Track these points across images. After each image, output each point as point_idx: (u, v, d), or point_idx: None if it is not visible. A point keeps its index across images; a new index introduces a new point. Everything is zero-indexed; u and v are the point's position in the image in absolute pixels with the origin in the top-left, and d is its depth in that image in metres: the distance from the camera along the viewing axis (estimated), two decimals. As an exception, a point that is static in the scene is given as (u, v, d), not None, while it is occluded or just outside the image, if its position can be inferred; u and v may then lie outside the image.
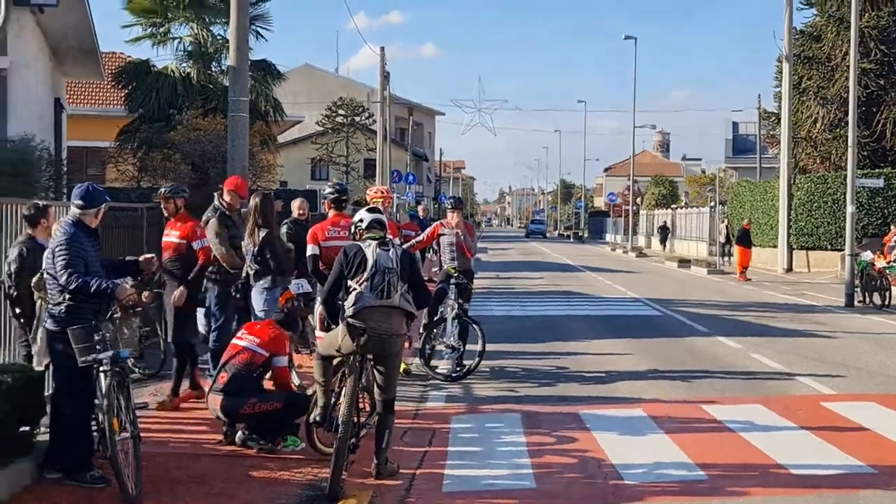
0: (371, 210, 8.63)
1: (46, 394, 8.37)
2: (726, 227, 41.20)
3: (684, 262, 42.76)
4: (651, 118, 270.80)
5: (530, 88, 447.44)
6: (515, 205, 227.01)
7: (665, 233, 63.30)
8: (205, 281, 11.17)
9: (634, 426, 10.35)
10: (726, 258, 40.88)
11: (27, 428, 7.73)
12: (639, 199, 75.07)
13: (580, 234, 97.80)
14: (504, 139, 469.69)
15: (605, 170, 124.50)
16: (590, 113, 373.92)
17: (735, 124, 73.35)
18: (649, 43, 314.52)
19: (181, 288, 10.79)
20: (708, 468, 8.67)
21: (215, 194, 11.73)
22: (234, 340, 9.42)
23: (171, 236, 11.07)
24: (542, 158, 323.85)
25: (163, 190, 11.34)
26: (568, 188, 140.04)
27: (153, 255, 9.26)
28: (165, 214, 11.21)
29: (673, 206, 70.51)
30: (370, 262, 8.05)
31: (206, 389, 9.49)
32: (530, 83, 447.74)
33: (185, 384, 11.07)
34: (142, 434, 8.01)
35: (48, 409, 8.07)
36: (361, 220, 8.49)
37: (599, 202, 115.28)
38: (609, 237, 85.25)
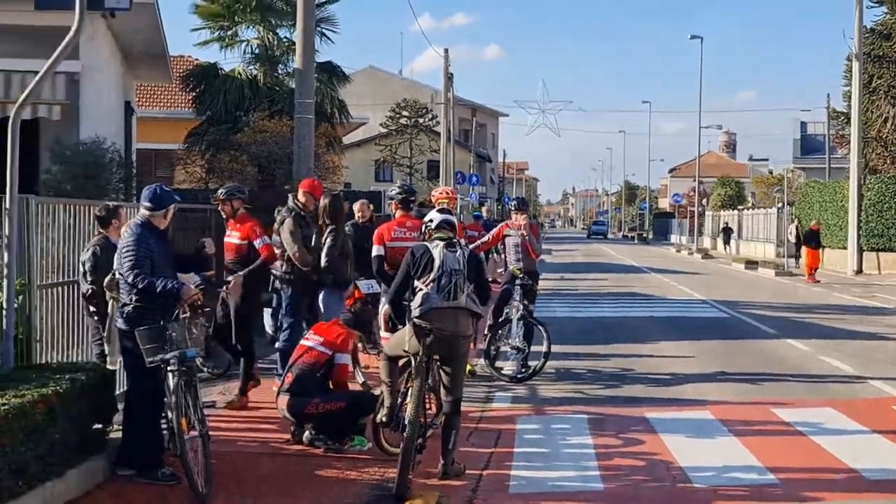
0: (441, 211, 8.66)
1: (118, 392, 8.51)
2: (796, 227, 40.41)
3: (751, 264, 42.23)
4: (717, 118, 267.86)
5: (594, 89, 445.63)
6: (579, 206, 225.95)
7: (728, 234, 62.61)
8: (276, 282, 11.26)
9: (702, 428, 10.25)
10: (796, 259, 40.23)
11: (100, 426, 7.85)
12: (704, 200, 74.29)
13: (644, 235, 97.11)
14: (568, 140, 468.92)
15: (670, 171, 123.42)
16: (654, 113, 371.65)
17: (803, 124, 72.30)
18: (715, 42, 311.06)
19: (238, 276, 10.82)
20: (779, 472, 8.55)
21: (290, 195, 11.86)
22: (302, 341, 9.50)
23: (232, 237, 11.11)
24: (605, 159, 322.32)
25: (219, 192, 11.37)
26: (632, 189, 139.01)
27: (209, 238, 9.47)
28: (224, 216, 11.25)
29: (739, 207, 69.69)
30: (437, 263, 8.06)
31: (275, 390, 9.56)
32: (594, 84, 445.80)
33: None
34: (211, 433, 8.11)
35: (120, 407, 8.20)
36: (431, 221, 8.52)
37: (664, 203, 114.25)
38: (674, 238, 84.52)
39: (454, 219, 8.71)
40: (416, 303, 8.05)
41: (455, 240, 8.36)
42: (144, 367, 7.65)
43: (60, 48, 8.17)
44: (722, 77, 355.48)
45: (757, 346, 16.54)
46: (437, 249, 8.17)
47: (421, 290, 8.06)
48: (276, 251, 11.28)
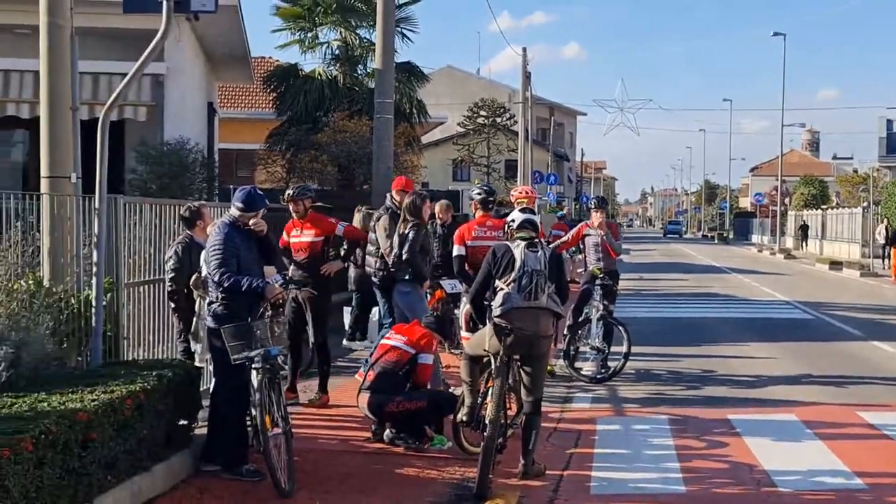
0: (523, 210, 8.64)
1: (203, 389, 8.65)
2: (885, 227, 39.25)
3: (835, 265, 41.42)
4: (799, 116, 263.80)
5: (674, 87, 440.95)
6: (658, 205, 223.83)
7: (805, 232, 61.61)
8: (357, 282, 11.37)
9: (787, 431, 10.09)
10: (884, 260, 39.28)
11: (186, 422, 7.98)
12: (787, 200, 73.09)
13: (724, 235, 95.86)
14: (647, 139, 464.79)
15: (752, 170, 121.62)
16: (736, 112, 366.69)
17: (889, 122, 70.76)
18: (798, 39, 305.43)
19: (338, 262, 11.02)
20: (866, 477, 8.38)
21: (387, 195, 12.14)
22: (383, 340, 9.55)
23: (305, 237, 11.02)
24: (685, 158, 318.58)
25: (290, 192, 11.37)
26: (712, 189, 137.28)
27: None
28: (295, 217, 11.13)
29: (823, 206, 68.45)
30: (518, 263, 8.05)
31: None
32: (674, 82, 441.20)
33: (337, 383, 11.26)
34: (295, 431, 8.18)
35: (205, 404, 8.33)
36: (513, 221, 8.50)
37: (745, 203, 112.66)
38: (755, 238, 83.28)
39: (537, 219, 8.68)
40: (497, 302, 8.05)
41: (537, 240, 8.33)
42: (230, 364, 7.75)
43: (148, 51, 8.32)
44: (804, 75, 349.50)
45: (842, 348, 16.24)
46: (518, 249, 8.16)
47: (502, 289, 8.06)
48: (371, 248, 11.48)
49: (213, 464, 7.97)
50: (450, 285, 12.28)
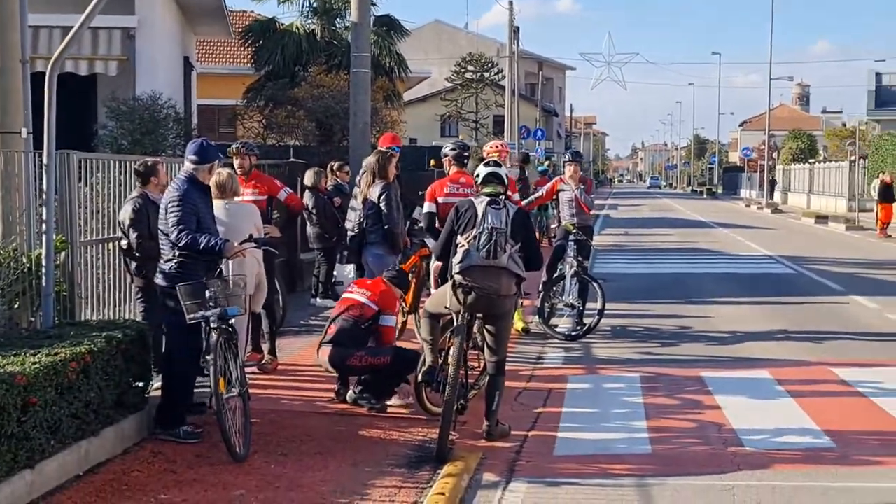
0: (488, 164, 8.39)
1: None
2: (882, 181, 37.95)
3: (821, 219, 41.30)
4: (790, 70, 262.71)
5: (664, 42, 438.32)
6: (648, 161, 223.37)
7: (772, 186, 62.29)
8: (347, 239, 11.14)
9: (759, 389, 9.94)
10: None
11: (139, 384, 7.78)
12: (775, 154, 72.85)
13: (713, 189, 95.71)
14: (636, 94, 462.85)
15: (741, 124, 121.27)
16: (725, 65, 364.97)
17: (878, 75, 70.30)
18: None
19: (275, 230, 10.62)
20: (836, 435, 8.24)
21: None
22: (345, 294, 9.34)
23: (248, 195, 10.59)
24: (675, 113, 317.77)
25: (235, 146, 11.05)
26: (702, 143, 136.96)
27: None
28: (238, 172, 10.59)
29: (811, 160, 68.22)
30: (479, 220, 7.85)
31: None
32: (664, 36, 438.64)
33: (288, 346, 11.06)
34: (256, 392, 7.99)
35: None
36: (478, 175, 8.29)
37: (734, 157, 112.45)
38: (744, 193, 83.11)
39: (503, 171, 8.43)
40: (456, 259, 7.86)
41: (501, 197, 8.11)
42: (184, 324, 7.56)
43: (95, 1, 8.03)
44: (797, 28, 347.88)
45: (822, 304, 16.11)
46: (481, 206, 7.95)
47: (462, 246, 7.86)
48: (354, 202, 11.19)
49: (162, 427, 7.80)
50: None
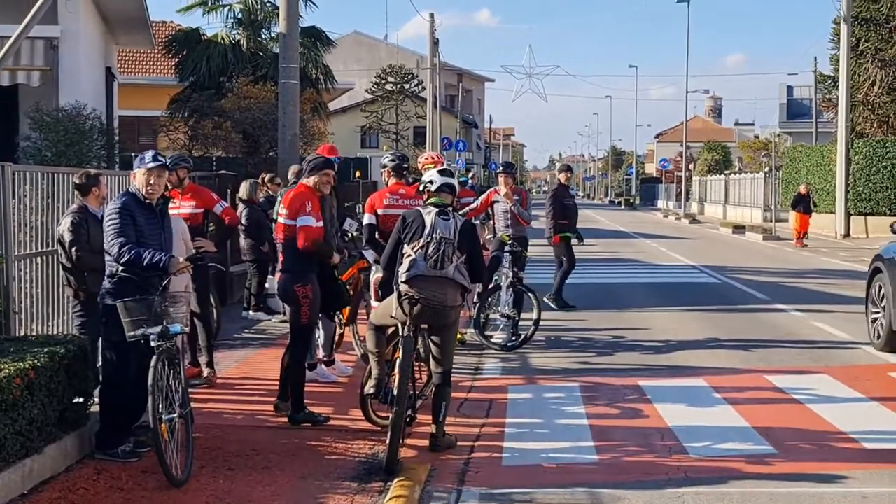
0: (443, 172, 8.36)
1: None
2: (799, 192, 37.92)
3: (739, 229, 42.12)
4: (704, 83, 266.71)
5: (583, 54, 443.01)
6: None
7: (686, 196, 63.77)
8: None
9: (697, 397, 10.09)
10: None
11: (80, 400, 7.60)
12: (691, 165, 74.11)
13: (631, 200, 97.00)
14: (555, 106, 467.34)
15: (657, 136, 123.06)
16: (643, 78, 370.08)
17: (790, 88, 72.09)
18: (703, 6, 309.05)
19: (211, 245, 10.50)
20: (775, 440, 8.39)
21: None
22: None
23: (184, 208, 10.49)
24: (592, 125, 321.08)
25: (169, 159, 10.91)
26: (619, 155, 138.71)
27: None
28: (170, 187, 10.38)
29: (726, 171, 69.53)
30: (427, 230, 7.84)
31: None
32: (583, 49, 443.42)
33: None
34: (199, 406, 7.84)
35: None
36: (431, 182, 8.25)
37: (651, 168, 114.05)
38: (661, 203, 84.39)
39: (456, 183, 8.42)
40: (402, 268, 7.85)
41: (450, 207, 8.12)
42: (123, 341, 7.39)
43: (35, 9, 7.88)
44: (711, 42, 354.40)
45: (749, 313, 16.40)
46: (429, 216, 7.95)
47: (409, 255, 7.85)
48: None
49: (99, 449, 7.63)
50: (371, 255, 12.05)
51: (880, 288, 12.75)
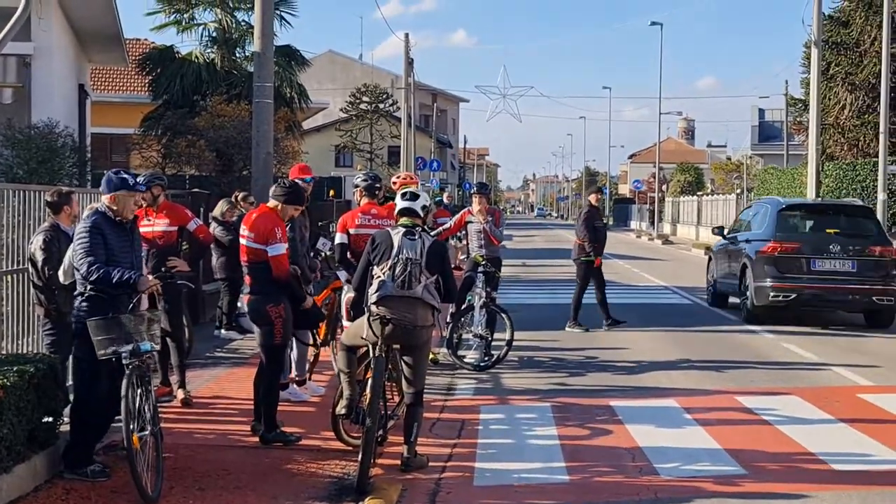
0: (405, 196, 8.39)
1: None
2: None
3: (711, 250, 42.25)
4: (676, 105, 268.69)
5: (557, 75, 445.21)
6: (539, 192, 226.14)
7: (658, 216, 64.08)
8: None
9: (667, 417, 10.14)
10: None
11: (50, 419, 7.56)
12: (664, 186, 74.52)
13: (605, 221, 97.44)
14: (529, 126, 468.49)
15: (630, 157, 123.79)
16: (615, 100, 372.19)
17: (761, 111, 72.75)
18: (676, 29, 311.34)
19: (184, 264, 10.47)
20: (745, 461, 8.45)
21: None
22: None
23: (158, 226, 10.49)
24: (566, 145, 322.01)
25: (138, 180, 10.87)
26: (592, 175, 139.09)
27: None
28: (143, 204, 10.16)
29: (699, 192, 69.97)
30: (394, 251, 7.88)
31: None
32: (557, 70, 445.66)
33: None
34: (170, 425, 7.81)
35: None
36: (397, 205, 8.33)
37: (624, 189, 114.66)
38: (634, 224, 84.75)
39: (419, 204, 8.43)
40: (372, 289, 7.87)
41: (416, 228, 8.15)
42: (94, 360, 7.36)
43: (8, 27, 7.87)
44: (683, 64, 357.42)
45: (720, 334, 16.49)
46: (397, 236, 7.99)
47: (378, 277, 7.88)
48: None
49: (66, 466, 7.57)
50: (344, 275, 12.05)
51: (741, 270, 18.28)
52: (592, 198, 17.78)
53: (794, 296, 17.15)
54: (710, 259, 21.51)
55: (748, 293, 17.75)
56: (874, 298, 17.03)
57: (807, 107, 40.74)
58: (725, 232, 20.78)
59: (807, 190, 38.33)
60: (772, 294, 17.19)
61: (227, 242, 14.36)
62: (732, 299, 19.44)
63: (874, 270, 17.10)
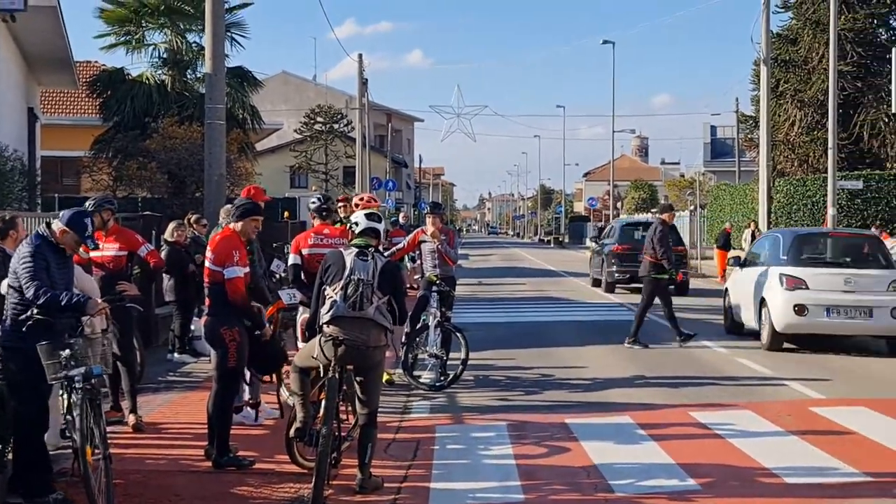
0: (370, 216, 8.40)
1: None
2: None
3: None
4: (631, 123, 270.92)
5: (511, 94, 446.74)
6: (496, 210, 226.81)
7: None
8: None
9: (623, 434, 10.15)
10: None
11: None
12: (619, 204, 75.04)
13: (560, 239, 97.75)
14: (484, 146, 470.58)
15: (585, 175, 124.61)
16: (570, 118, 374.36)
17: (713, 128, 73.61)
18: (628, 48, 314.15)
19: (135, 288, 10.43)
20: (699, 477, 8.48)
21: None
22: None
23: (108, 250, 10.48)
24: (521, 164, 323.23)
25: (88, 204, 10.80)
26: (548, 193, 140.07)
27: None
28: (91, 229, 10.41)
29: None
30: (346, 271, 7.86)
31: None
32: (511, 89, 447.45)
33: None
34: (121, 451, 7.72)
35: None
36: (357, 224, 8.30)
37: (579, 207, 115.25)
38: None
39: (381, 228, 8.45)
40: (324, 310, 7.85)
41: (370, 248, 8.13)
42: (38, 386, 7.27)
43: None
44: (637, 82, 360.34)
45: (674, 349, 16.57)
46: (349, 257, 7.97)
47: (330, 297, 7.86)
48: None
49: (18, 495, 7.43)
50: (287, 295, 11.96)
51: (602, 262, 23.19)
52: (667, 216, 17.82)
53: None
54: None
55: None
56: None
57: (757, 124, 41.27)
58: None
59: (758, 206, 38.74)
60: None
61: (175, 265, 14.25)
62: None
63: None
